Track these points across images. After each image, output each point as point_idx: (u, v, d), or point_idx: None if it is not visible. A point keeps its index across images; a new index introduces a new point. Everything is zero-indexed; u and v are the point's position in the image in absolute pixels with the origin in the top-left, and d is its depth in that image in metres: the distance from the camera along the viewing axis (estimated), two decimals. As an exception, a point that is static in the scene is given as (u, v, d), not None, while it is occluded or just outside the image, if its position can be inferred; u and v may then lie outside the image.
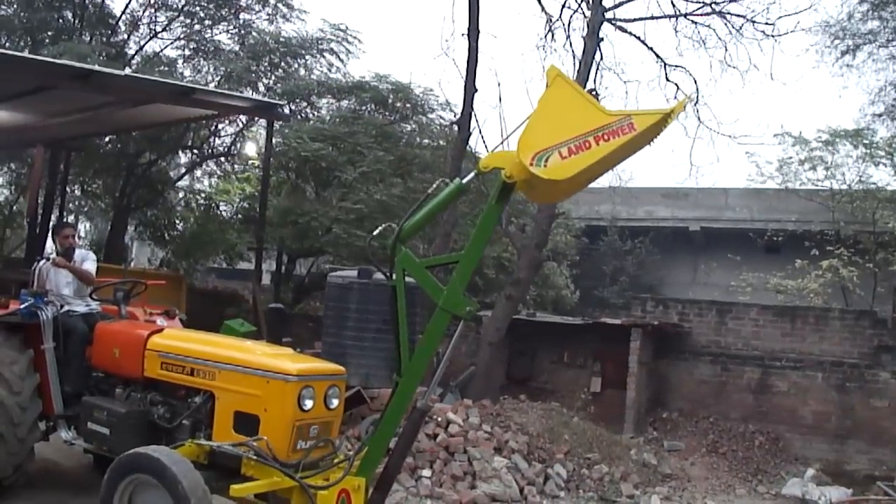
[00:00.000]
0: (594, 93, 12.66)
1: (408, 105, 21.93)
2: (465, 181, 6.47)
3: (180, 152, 24.49)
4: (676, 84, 17.63)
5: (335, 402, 6.83)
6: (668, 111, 5.99)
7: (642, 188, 29.72)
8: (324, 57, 22.97)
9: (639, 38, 17.70)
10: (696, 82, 18.28)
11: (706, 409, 16.92)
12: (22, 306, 8.22)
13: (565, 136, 5.85)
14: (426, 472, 10.90)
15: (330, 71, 23.00)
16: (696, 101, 17.58)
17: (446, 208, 6.83)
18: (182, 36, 23.34)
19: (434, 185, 6.66)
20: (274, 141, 17.11)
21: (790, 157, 23.91)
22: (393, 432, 6.46)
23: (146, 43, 23.44)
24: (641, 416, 16.56)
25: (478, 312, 6.44)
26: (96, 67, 14.48)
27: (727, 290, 25.07)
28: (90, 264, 9.05)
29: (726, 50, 17.92)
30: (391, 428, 6.43)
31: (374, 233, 7.01)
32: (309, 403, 6.52)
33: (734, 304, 18.41)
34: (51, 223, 19.12)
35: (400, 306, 6.38)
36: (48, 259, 8.88)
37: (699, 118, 17.67)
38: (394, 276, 6.43)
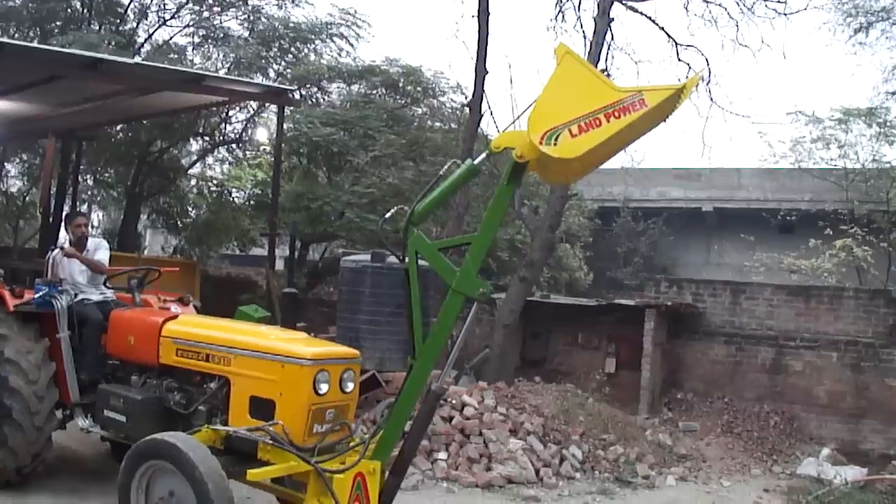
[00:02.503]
0: (605, 73, 12.55)
1: (419, 88, 21.88)
2: (476, 162, 6.44)
3: (191, 140, 24.50)
4: (688, 63, 17.60)
5: (350, 386, 6.83)
6: (680, 86, 5.88)
7: (655, 169, 29.69)
8: (333, 42, 22.92)
9: (649, 17, 17.63)
10: (707, 62, 18.23)
11: (721, 390, 16.88)
12: (36, 296, 8.25)
13: (575, 113, 5.73)
14: (442, 455, 10.93)
15: (340, 55, 22.98)
16: (709, 81, 17.53)
17: (458, 190, 6.79)
18: (191, 23, 23.30)
19: (446, 167, 6.58)
20: (285, 126, 17.09)
21: (803, 137, 23.83)
22: (407, 416, 6.43)
23: (155, 31, 23.43)
24: (656, 396, 16.54)
25: (492, 295, 6.30)
26: (106, 56, 14.46)
27: (741, 271, 25.05)
28: (103, 253, 9.09)
29: (738, 28, 17.87)
30: (406, 411, 6.40)
31: (386, 216, 7.02)
32: (324, 387, 6.53)
33: (748, 284, 18.34)
34: (64, 213, 19.17)
35: (413, 289, 6.36)
36: (61, 248, 8.91)
37: (711, 98, 17.66)
38: (406, 260, 6.40)
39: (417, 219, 6.43)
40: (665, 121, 6.39)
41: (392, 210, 7.05)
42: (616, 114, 5.69)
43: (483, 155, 6.38)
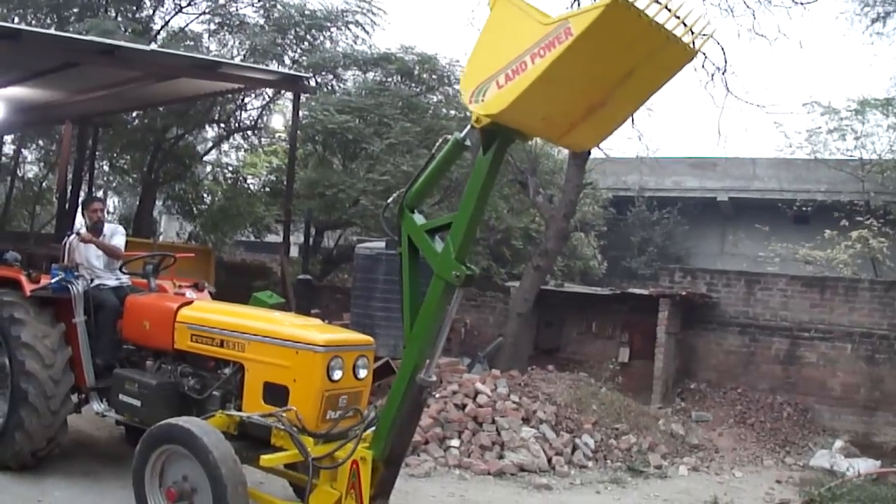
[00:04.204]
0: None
1: (434, 76, 21.83)
2: (461, 136, 5.97)
3: (207, 126, 24.52)
4: (704, 53, 17.45)
5: (364, 373, 6.86)
6: (606, 2, 4.65)
7: (670, 158, 29.52)
8: (349, 29, 22.91)
9: (665, 6, 17.51)
10: (724, 51, 18.08)
11: (734, 380, 16.88)
12: (53, 280, 8.31)
13: (503, 62, 5.03)
14: (454, 442, 10.96)
15: (355, 43, 22.95)
16: (724, 71, 17.40)
17: (449, 167, 6.40)
18: (207, 10, 23.30)
19: (437, 145, 6.22)
20: (300, 113, 17.10)
21: (819, 127, 23.69)
22: (397, 406, 6.19)
23: (171, 18, 23.43)
24: (669, 386, 16.55)
25: (472, 278, 5.85)
26: (122, 43, 14.49)
27: (755, 261, 24.97)
28: (119, 238, 9.13)
29: (755, 18, 17.72)
30: (396, 402, 6.19)
31: (388, 201, 6.92)
32: (338, 374, 6.56)
33: (763, 274, 18.31)
34: (80, 198, 19.25)
35: (404, 275, 6.21)
36: (78, 234, 8.95)
37: (727, 87, 17.49)
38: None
39: (411, 202, 6.19)
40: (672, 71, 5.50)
41: (393, 196, 6.73)
42: (541, 52, 4.87)
43: (468, 128, 5.78)
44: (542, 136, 5.91)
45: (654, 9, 4.96)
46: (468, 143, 6.03)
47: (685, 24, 5.22)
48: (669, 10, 5.07)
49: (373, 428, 6.37)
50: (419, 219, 6.16)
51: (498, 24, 5.31)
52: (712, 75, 17.40)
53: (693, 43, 5.35)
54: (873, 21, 21.48)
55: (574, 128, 5.55)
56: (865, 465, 12.90)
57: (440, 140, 6.21)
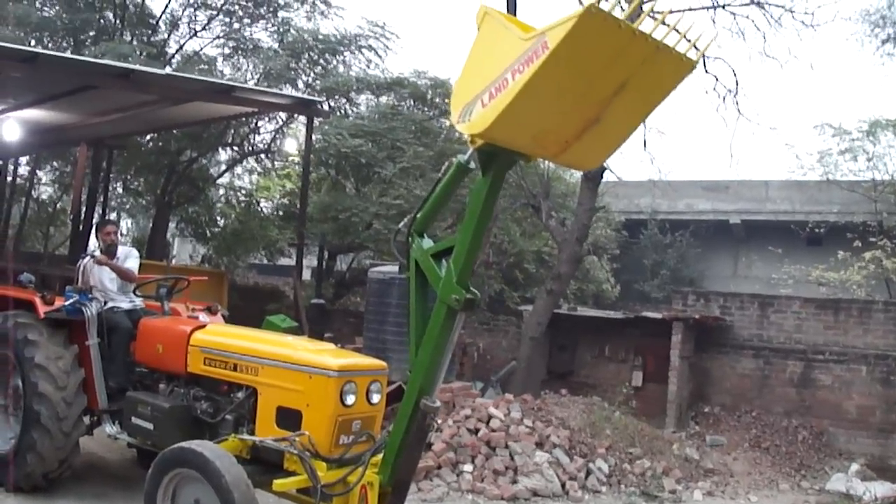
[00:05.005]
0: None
1: (446, 100, 21.86)
2: (464, 158, 5.90)
3: (221, 149, 24.67)
4: (715, 76, 17.49)
5: (377, 398, 6.83)
6: (578, 13, 4.52)
7: (682, 181, 29.51)
8: (362, 53, 23.05)
9: (676, 29, 17.54)
10: (735, 74, 18.11)
11: (748, 404, 16.79)
12: (67, 302, 8.32)
13: (487, 80, 4.93)
14: (468, 467, 10.90)
15: (368, 67, 23.08)
16: (736, 93, 17.41)
17: (455, 191, 6.33)
18: (221, 34, 23.49)
19: (444, 168, 6.19)
20: (314, 137, 17.17)
21: (830, 148, 23.70)
22: (403, 431, 6.19)
23: (186, 42, 23.64)
24: (683, 410, 16.46)
25: (473, 304, 5.80)
26: (137, 67, 14.62)
27: (768, 283, 24.90)
28: (133, 261, 9.14)
29: (765, 40, 17.78)
30: (402, 426, 6.19)
31: (399, 225, 6.86)
32: (351, 399, 6.53)
33: (776, 297, 18.24)
34: (94, 220, 19.33)
35: (411, 300, 6.21)
36: (92, 256, 8.97)
37: (739, 109, 17.51)
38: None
39: (419, 227, 6.21)
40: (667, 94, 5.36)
41: (404, 220, 6.71)
42: (520, 67, 4.74)
43: (470, 150, 5.66)
44: (537, 155, 5.79)
45: (648, 20, 4.90)
46: (472, 165, 5.96)
47: (678, 32, 5.08)
48: (654, 19, 4.95)
49: (381, 454, 6.36)
50: (427, 243, 6.16)
51: (484, 43, 5.24)
52: (724, 98, 17.46)
53: (690, 53, 5.20)
54: (883, 42, 21.57)
55: (570, 145, 5.37)
56: (882, 489, 12.82)
57: (446, 164, 6.16)
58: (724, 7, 17.32)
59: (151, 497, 6.33)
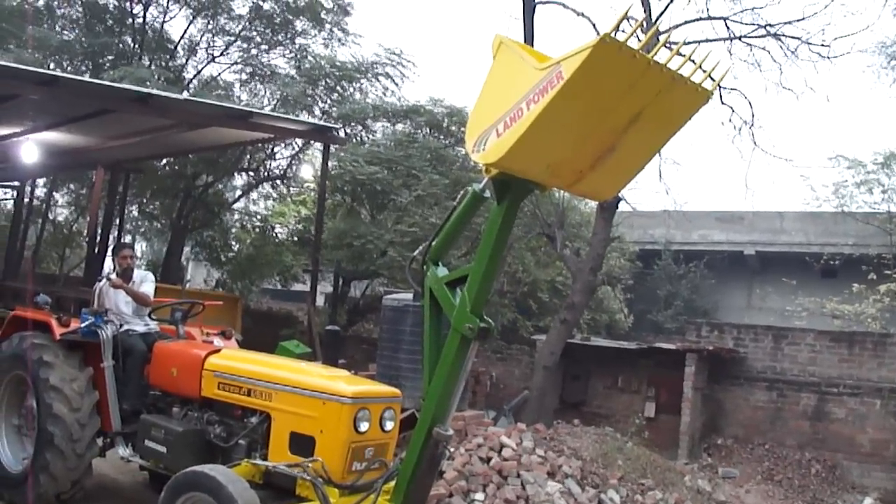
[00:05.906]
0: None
1: (462, 129, 21.92)
2: (479, 187, 5.95)
3: (237, 175, 24.81)
4: (731, 107, 17.52)
5: (390, 425, 6.83)
6: (593, 43, 4.52)
7: (697, 212, 29.52)
8: (379, 81, 23.20)
9: (692, 60, 17.59)
10: (751, 105, 18.15)
11: (762, 436, 16.71)
12: (82, 325, 8.34)
13: (502, 110, 4.95)
14: (479, 496, 10.85)
15: (385, 95, 23.23)
16: (752, 125, 17.44)
17: (470, 219, 6.35)
18: (239, 60, 23.70)
19: (459, 196, 6.24)
20: (329, 164, 17.24)
21: (845, 180, 23.68)
22: (415, 460, 6.21)
23: (204, 67, 23.86)
24: (696, 441, 16.39)
25: (487, 333, 5.79)
26: (155, 91, 14.72)
27: (782, 315, 24.82)
28: (149, 286, 9.17)
29: (781, 72, 17.80)
30: (414, 455, 6.20)
31: (414, 253, 6.88)
32: (364, 425, 6.53)
33: (790, 329, 18.20)
34: (109, 243, 19.42)
35: (425, 328, 6.22)
36: (108, 279, 9.01)
37: (754, 141, 17.53)
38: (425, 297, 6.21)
39: (434, 255, 6.25)
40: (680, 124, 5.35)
41: (419, 249, 6.67)
42: (535, 97, 4.74)
43: (485, 180, 5.67)
44: (551, 185, 5.77)
45: (663, 52, 4.90)
46: (487, 194, 5.97)
47: (694, 63, 5.08)
48: (670, 49, 4.98)
49: (393, 481, 6.35)
50: (441, 271, 6.18)
51: (499, 72, 5.26)
52: (739, 129, 17.48)
53: (706, 84, 5.17)
54: (899, 74, 21.52)
55: (585, 175, 5.35)
56: (896, 525, 12.72)
57: (461, 192, 6.20)
58: (740, 38, 17.37)
59: (163, 520, 6.34)
